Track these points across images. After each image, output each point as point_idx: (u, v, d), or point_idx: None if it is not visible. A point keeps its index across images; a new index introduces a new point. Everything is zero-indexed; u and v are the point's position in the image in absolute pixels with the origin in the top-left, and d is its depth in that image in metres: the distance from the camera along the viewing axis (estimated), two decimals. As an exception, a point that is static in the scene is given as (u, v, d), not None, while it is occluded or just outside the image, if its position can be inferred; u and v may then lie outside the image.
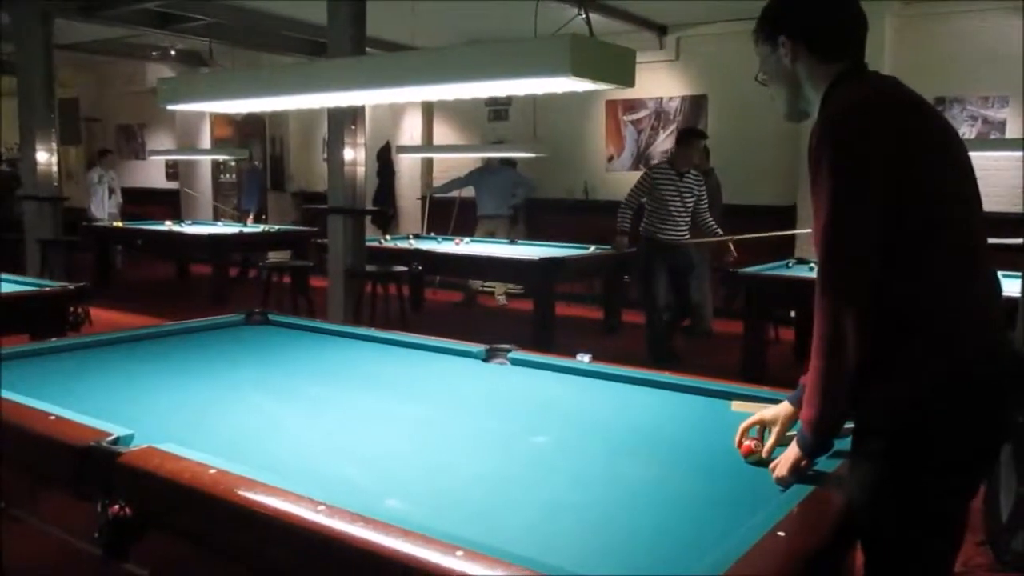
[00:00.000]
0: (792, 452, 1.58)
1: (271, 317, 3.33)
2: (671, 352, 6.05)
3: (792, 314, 6.44)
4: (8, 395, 2.05)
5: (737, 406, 2.22)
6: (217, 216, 11.65)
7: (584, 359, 2.61)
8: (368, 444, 1.95)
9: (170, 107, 2.67)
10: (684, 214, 6.06)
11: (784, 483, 1.57)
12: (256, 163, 10.89)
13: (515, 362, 2.69)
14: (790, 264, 6.03)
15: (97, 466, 1.67)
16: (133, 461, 1.63)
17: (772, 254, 6.36)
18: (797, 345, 6.31)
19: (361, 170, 5.95)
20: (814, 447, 1.55)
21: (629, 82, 2.08)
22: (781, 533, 1.34)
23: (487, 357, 2.73)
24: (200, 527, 1.58)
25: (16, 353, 2.63)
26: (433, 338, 2.96)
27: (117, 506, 1.61)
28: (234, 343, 3.00)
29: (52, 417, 1.88)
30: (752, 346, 5.52)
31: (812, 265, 5.94)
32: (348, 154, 5.85)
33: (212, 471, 1.55)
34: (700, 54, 8.38)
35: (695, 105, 8.52)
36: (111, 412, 2.02)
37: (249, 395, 2.33)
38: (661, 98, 8.73)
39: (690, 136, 6.24)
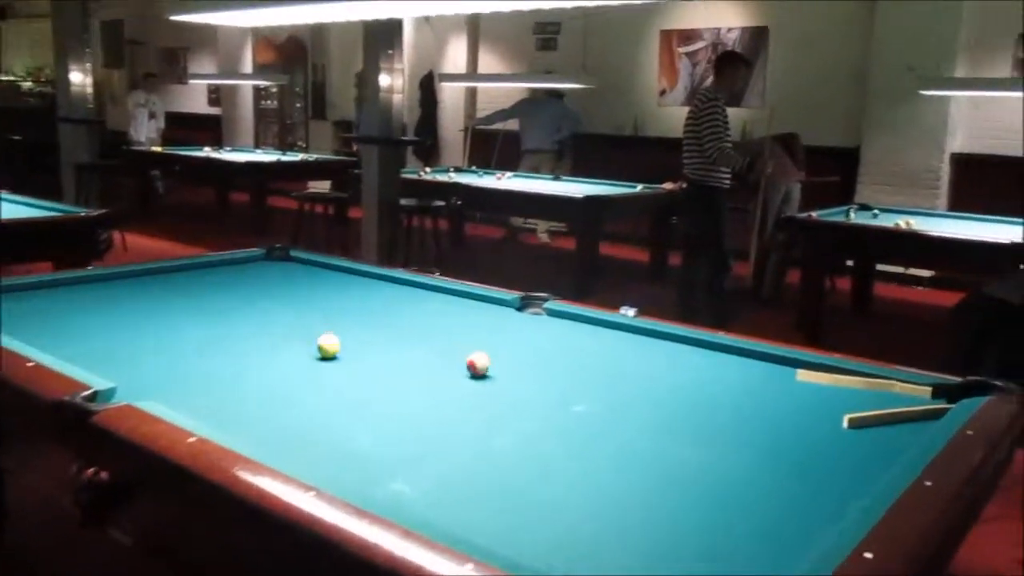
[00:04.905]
0: None
1: (292, 253, 3.10)
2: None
3: (850, 263, 6.06)
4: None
5: (803, 375, 1.96)
6: (259, 143, 11.46)
7: (629, 313, 2.34)
8: (382, 405, 1.72)
9: (173, 18, 2.43)
10: None
11: None
12: None
13: (552, 313, 2.43)
14: (852, 210, 5.63)
15: (68, 424, 1.47)
16: (106, 421, 1.42)
17: (833, 200, 5.97)
18: (855, 297, 5.97)
19: (399, 98, 5.63)
20: None
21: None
22: (868, 555, 1.07)
23: (521, 306, 2.48)
24: (174, 502, 1.37)
25: (15, 286, 2.44)
26: (463, 283, 2.71)
27: (92, 470, 1.42)
28: (250, 282, 2.79)
29: (30, 364, 1.68)
30: (809, 298, 5.21)
31: (876, 212, 5.55)
32: (384, 80, 5.53)
33: (191, 440, 1.33)
34: (763, -18, 7.85)
35: (755, 37, 7.98)
36: (105, 356, 1.85)
37: (256, 342, 2.12)
38: (719, 29, 8.20)
39: (737, 60, 5.34)
